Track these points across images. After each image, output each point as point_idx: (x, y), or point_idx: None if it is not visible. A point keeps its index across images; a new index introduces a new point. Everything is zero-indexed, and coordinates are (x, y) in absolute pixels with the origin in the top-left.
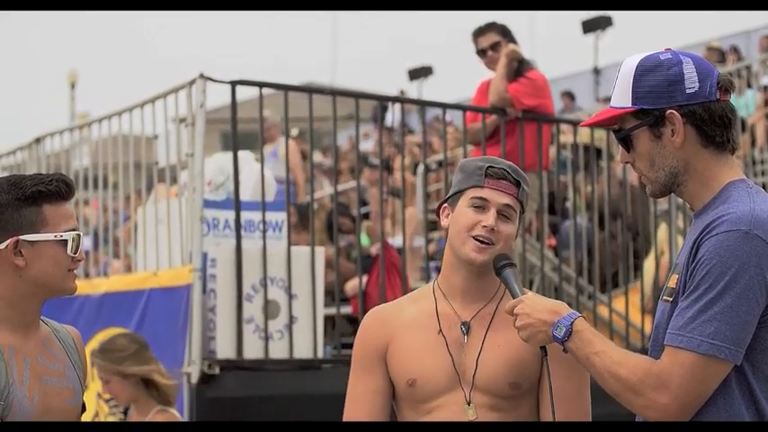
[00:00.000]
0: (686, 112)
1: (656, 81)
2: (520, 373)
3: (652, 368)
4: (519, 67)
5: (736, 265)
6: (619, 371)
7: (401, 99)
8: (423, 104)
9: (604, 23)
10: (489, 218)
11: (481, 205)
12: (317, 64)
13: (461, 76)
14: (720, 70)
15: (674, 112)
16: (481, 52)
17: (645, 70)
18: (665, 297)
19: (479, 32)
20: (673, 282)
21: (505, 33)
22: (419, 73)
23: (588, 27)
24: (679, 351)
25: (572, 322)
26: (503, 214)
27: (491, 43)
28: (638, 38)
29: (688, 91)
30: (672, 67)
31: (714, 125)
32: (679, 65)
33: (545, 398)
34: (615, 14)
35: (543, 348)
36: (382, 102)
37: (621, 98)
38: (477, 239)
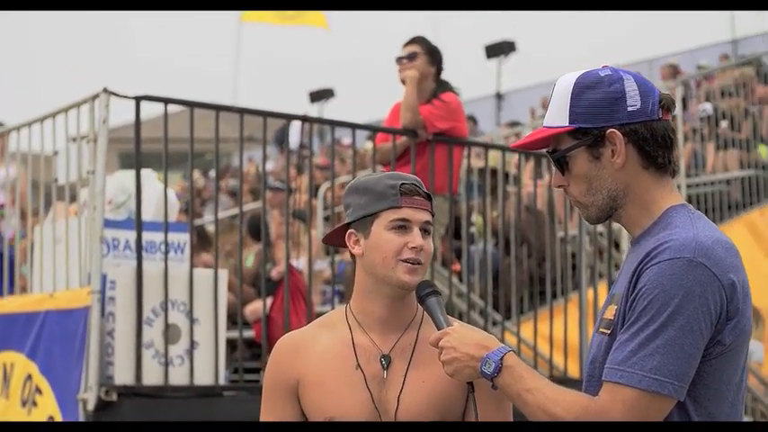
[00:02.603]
0: (628, 131)
1: (596, 98)
2: (444, 409)
3: (590, 406)
4: (435, 89)
5: (680, 295)
6: (554, 409)
7: (311, 119)
8: (333, 125)
9: (508, 49)
10: (416, 238)
11: (402, 226)
12: (218, 83)
13: (363, 98)
14: None
15: (614, 131)
16: (398, 59)
17: (583, 87)
18: (601, 329)
19: (407, 42)
20: (610, 313)
21: (430, 51)
22: (320, 95)
23: (492, 52)
24: (619, 387)
25: (502, 357)
26: (424, 230)
27: (409, 53)
28: (541, 64)
29: (629, 109)
30: (612, 83)
31: (656, 145)
32: (620, 81)
33: None
34: (519, 40)
35: (470, 384)
36: (289, 121)
37: (557, 117)
38: (407, 262)
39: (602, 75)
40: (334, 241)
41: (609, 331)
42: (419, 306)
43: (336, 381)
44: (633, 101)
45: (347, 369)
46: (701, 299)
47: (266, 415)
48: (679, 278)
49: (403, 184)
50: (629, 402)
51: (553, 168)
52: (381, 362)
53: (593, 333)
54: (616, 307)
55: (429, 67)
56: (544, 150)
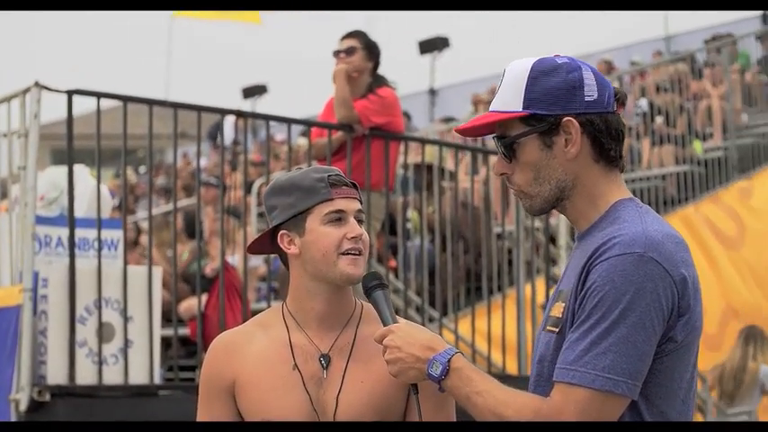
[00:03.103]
0: (584, 121)
1: (553, 85)
2: (384, 410)
3: (541, 408)
4: (370, 84)
5: (632, 291)
6: (504, 412)
7: (245, 113)
8: (268, 119)
9: (441, 44)
10: (353, 227)
11: (338, 218)
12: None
13: (296, 94)
14: None
15: (571, 119)
16: (335, 53)
17: (540, 73)
18: (549, 327)
19: (344, 36)
20: (558, 311)
21: (368, 46)
22: (253, 91)
23: (425, 48)
24: (572, 387)
25: (449, 359)
26: (359, 220)
27: (346, 47)
28: (475, 59)
29: (587, 98)
30: (571, 71)
31: (610, 138)
32: (578, 70)
33: None
34: (452, 36)
35: (414, 386)
36: (223, 117)
37: (509, 102)
38: (348, 254)
39: (560, 62)
40: (261, 249)
41: (557, 329)
42: (357, 302)
43: (273, 382)
44: (590, 91)
45: (284, 369)
46: (653, 294)
47: (203, 416)
48: (630, 274)
49: (330, 175)
50: (583, 403)
51: (498, 155)
52: (321, 362)
53: (539, 331)
54: (564, 304)
55: (366, 62)
56: (491, 136)
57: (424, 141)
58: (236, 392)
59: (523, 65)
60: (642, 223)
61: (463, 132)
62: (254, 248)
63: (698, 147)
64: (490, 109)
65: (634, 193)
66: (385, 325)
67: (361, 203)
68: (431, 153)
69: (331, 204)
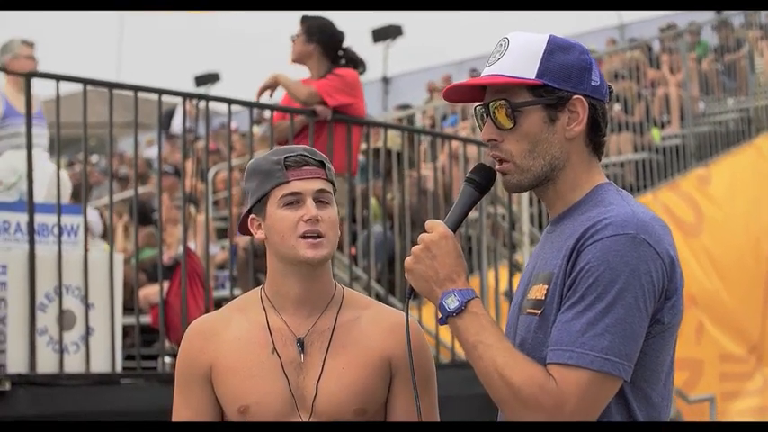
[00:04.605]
0: (591, 104)
1: (569, 62)
2: (366, 397)
3: (547, 385)
4: (329, 65)
5: (627, 272)
6: (510, 374)
7: (206, 97)
8: (230, 103)
9: (394, 32)
10: (309, 209)
11: (294, 201)
12: (102, 66)
13: (247, 82)
14: None
15: (582, 98)
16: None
17: (557, 47)
18: (529, 310)
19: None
20: (539, 293)
21: (308, 30)
22: (206, 79)
23: (378, 36)
24: (569, 368)
25: (468, 300)
26: (320, 200)
27: (296, 32)
28: (428, 48)
29: (593, 83)
30: (584, 53)
31: (603, 124)
32: (589, 54)
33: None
34: (405, 23)
35: (412, 290)
36: (185, 99)
37: (520, 69)
38: (305, 237)
39: (573, 42)
40: (246, 231)
41: (539, 311)
42: (337, 286)
43: (251, 366)
44: (596, 76)
45: (263, 353)
46: (647, 276)
47: (180, 403)
48: (624, 255)
49: (288, 156)
50: (583, 384)
51: (487, 120)
52: (297, 346)
53: (514, 315)
54: (546, 286)
55: (306, 46)
56: (480, 104)
57: (386, 126)
58: (213, 378)
59: (537, 36)
60: (628, 206)
61: (450, 95)
62: (242, 230)
63: (656, 134)
64: (489, 73)
65: None
66: (446, 222)
67: (330, 181)
68: (391, 139)
69: (286, 187)
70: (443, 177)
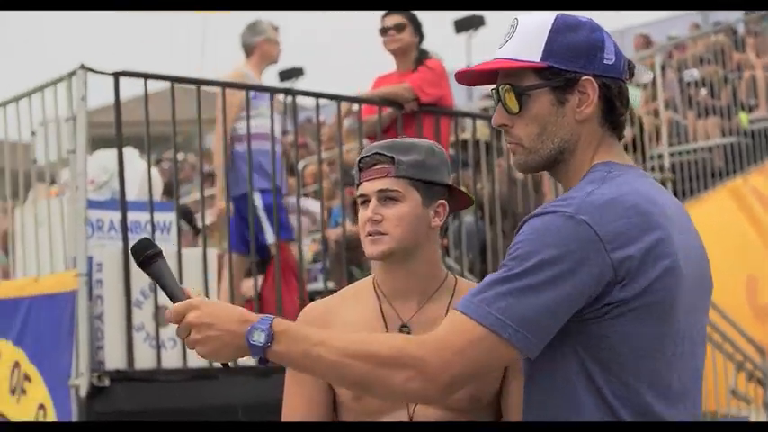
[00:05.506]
0: (601, 84)
1: (576, 41)
2: (479, 385)
3: (412, 339)
4: (419, 57)
5: (552, 248)
6: (365, 348)
7: (294, 91)
8: (318, 97)
9: (477, 23)
10: (368, 210)
11: (364, 201)
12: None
13: (331, 77)
14: None
15: (591, 79)
16: (383, 31)
17: (564, 26)
18: None
19: (387, 12)
20: None
21: (413, 21)
22: (290, 74)
23: (460, 26)
24: (463, 317)
25: (270, 324)
26: (387, 197)
27: (395, 23)
28: None
29: (606, 61)
30: (595, 31)
31: (621, 105)
32: (601, 31)
33: (510, 415)
34: (488, 14)
35: (226, 365)
36: (273, 95)
37: (525, 51)
38: (369, 235)
39: (583, 20)
40: None
41: None
42: (449, 275)
43: None
44: (610, 54)
45: None
46: (575, 254)
47: (291, 386)
48: (555, 232)
49: (362, 158)
50: (470, 334)
51: (498, 106)
52: (402, 331)
53: None
54: None
55: (414, 38)
56: (492, 87)
57: (474, 117)
58: None
59: (543, 17)
60: (595, 186)
61: (462, 77)
62: None
63: (743, 118)
64: (498, 56)
65: (681, 165)
66: (174, 299)
67: (401, 177)
68: (479, 129)
69: (359, 189)
70: None
